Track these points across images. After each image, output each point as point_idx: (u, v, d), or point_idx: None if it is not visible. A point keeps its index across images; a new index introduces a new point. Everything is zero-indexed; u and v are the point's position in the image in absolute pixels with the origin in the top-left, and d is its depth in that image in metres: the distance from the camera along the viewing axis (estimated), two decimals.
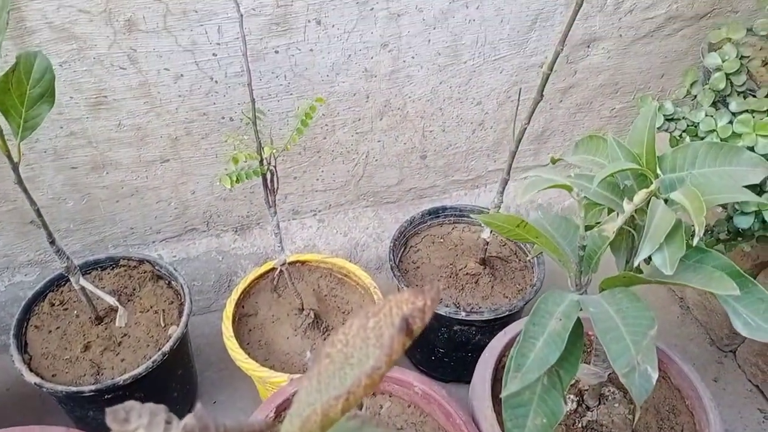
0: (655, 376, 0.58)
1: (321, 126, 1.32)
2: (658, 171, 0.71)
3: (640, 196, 0.66)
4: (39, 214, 0.96)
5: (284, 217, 1.46)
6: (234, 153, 0.94)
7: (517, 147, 1.01)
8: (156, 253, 1.38)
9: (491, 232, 1.10)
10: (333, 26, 1.18)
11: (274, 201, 1.03)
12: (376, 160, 1.43)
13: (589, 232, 0.70)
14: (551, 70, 0.92)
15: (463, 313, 1.08)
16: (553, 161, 0.90)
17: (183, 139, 1.24)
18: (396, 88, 1.31)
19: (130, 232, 1.35)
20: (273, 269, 1.22)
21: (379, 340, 0.39)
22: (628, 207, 0.66)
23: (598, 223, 0.78)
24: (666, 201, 0.69)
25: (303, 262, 1.24)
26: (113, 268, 1.19)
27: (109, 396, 1.00)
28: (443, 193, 1.55)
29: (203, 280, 1.41)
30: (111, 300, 1.02)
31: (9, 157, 0.89)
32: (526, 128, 0.99)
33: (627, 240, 0.76)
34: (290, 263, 1.23)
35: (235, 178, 0.93)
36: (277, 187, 1.02)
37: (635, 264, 0.65)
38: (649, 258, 0.76)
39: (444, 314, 1.08)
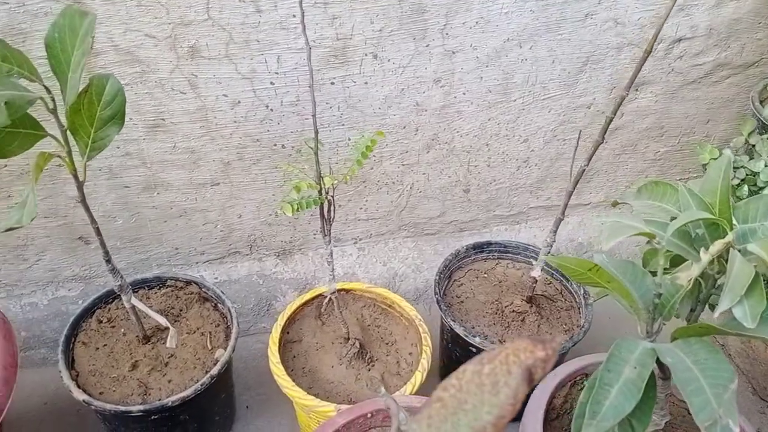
0: (736, 430, 0.57)
1: (369, 156, 1.33)
2: (734, 221, 0.71)
3: (716, 246, 0.66)
4: (98, 233, 0.98)
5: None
6: (297, 181, 0.95)
7: (574, 187, 1.01)
8: (198, 274, 1.39)
9: (541, 270, 1.10)
10: (389, 60, 1.20)
11: (330, 230, 1.04)
12: (420, 192, 1.43)
13: (661, 280, 0.70)
14: (614, 114, 0.93)
15: None
16: (614, 205, 0.90)
17: (235, 163, 1.25)
18: (445, 123, 1.32)
19: (174, 253, 1.36)
20: (318, 296, 1.22)
21: (494, 387, 0.39)
22: (705, 257, 0.66)
23: (666, 269, 0.78)
24: (740, 252, 0.69)
25: (347, 291, 1.24)
26: (160, 287, 1.20)
27: (156, 417, 1.00)
28: (484, 227, 1.56)
29: (243, 303, 1.42)
30: (162, 320, 1.03)
31: (75, 175, 0.90)
32: (585, 169, 0.99)
33: (693, 288, 0.75)
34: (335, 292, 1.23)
35: (296, 207, 0.93)
36: (334, 217, 1.03)
37: (715, 315, 0.65)
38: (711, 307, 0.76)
39: None
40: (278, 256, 1.45)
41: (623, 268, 0.79)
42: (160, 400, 0.99)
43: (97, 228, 0.97)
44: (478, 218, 1.53)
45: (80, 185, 0.91)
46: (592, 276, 0.72)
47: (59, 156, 0.86)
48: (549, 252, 1.09)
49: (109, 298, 1.17)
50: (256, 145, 1.24)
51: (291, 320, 1.19)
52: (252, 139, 1.23)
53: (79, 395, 0.99)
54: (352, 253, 1.50)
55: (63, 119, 0.83)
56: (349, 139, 1.29)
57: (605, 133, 0.95)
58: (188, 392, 0.99)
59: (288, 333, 1.17)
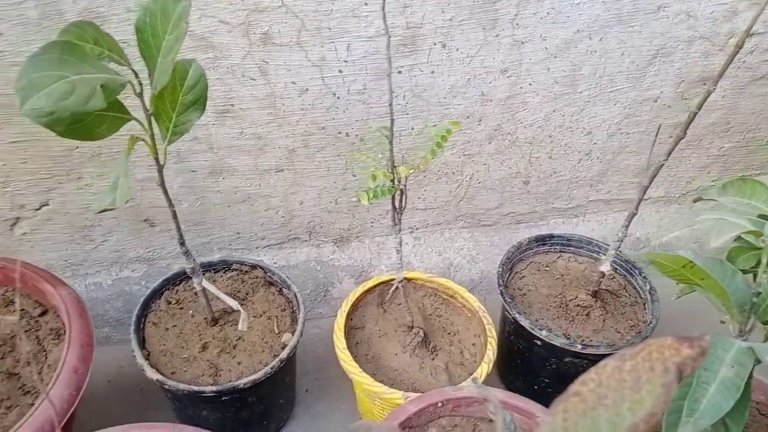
0: None
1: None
2: None
3: None
4: (174, 216, 0.99)
5: (382, 232, 1.47)
6: (373, 170, 0.95)
7: (650, 182, 1.00)
8: (258, 258, 1.40)
9: (611, 265, 1.09)
10: (457, 50, 1.20)
11: (400, 219, 1.04)
12: (479, 183, 1.43)
13: (761, 279, 0.69)
14: (699, 108, 0.91)
15: (579, 346, 1.07)
16: (696, 201, 0.89)
17: (299, 150, 1.26)
18: (509, 114, 1.31)
19: (236, 237, 1.37)
20: (380, 284, 1.23)
21: (635, 383, 0.39)
22: None
23: (754, 267, 0.77)
24: None
25: (409, 280, 1.25)
26: (225, 271, 1.22)
27: (226, 398, 1.02)
28: (541, 219, 1.55)
29: (300, 289, 1.41)
30: (234, 304, 1.04)
31: (156, 159, 0.91)
32: (663, 164, 0.98)
33: None
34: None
35: (371, 195, 0.94)
36: (405, 206, 1.03)
37: None
38: None
39: (558, 345, 1.07)
40: (336, 243, 1.46)
41: (711, 265, 0.77)
42: (230, 381, 1.01)
43: (174, 211, 0.98)
44: (535, 210, 1.52)
45: (161, 169, 0.92)
46: (686, 273, 0.71)
47: (143, 139, 0.88)
48: (619, 247, 1.08)
49: (177, 279, 1.18)
50: (321, 133, 1.25)
51: (354, 307, 1.19)
52: (317, 127, 1.24)
53: (153, 374, 1.01)
54: (408, 242, 1.50)
55: (147, 103, 0.85)
56: (413, 129, 1.29)
57: (687, 128, 0.93)
58: (259, 375, 1.00)
59: (351, 319, 1.18)
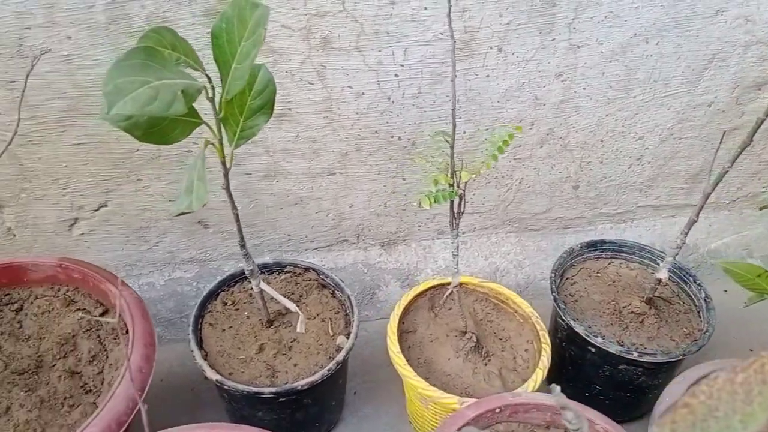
0: None
1: (482, 150, 1.33)
2: None
3: None
4: (237, 219, 1.00)
5: (429, 236, 1.48)
6: (435, 174, 0.95)
7: (713, 189, 0.99)
8: (307, 260, 1.42)
9: (668, 271, 1.08)
10: (513, 54, 1.19)
11: (458, 224, 1.04)
12: (528, 187, 1.43)
13: None
14: (766, 116, 0.90)
15: (635, 354, 1.06)
16: (762, 208, 0.88)
17: (352, 154, 1.27)
18: (562, 118, 1.31)
19: (286, 239, 1.39)
20: (431, 288, 1.23)
21: (747, 396, 0.39)
22: None
23: None
24: None
25: (460, 284, 1.24)
26: (279, 273, 1.23)
27: (283, 399, 1.03)
28: (589, 225, 1.54)
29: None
30: (292, 306, 1.05)
31: (223, 163, 0.93)
32: (727, 171, 0.97)
33: None
34: (447, 284, 1.23)
35: (433, 199, 0.94)
36: (463, 211, 1.03)
37: None
38: None
39: (613, 352, 1.07)
40: (383, 246, 1.47)
41: None
42: (287, 383, 1.02)
43: (236, 214, 0.99)
44: (583, 215, 1.51)
45: (227, 173, 0.93)
46: (760, 282, 0.70)
47: (211, 143, 0.89)
48: (677, 254, 1.07)
49: (232, 281, 1.20)
50: (374, 137, 1.25)
51: (406, 310, 1.20)
52: (371, 131, 1.24)
53: (213, 375, 1.02)
54: None
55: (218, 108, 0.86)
56: (464, 132, 1.29)
57: (754, 134, 0.92)
58: (316, 377, 1.01)
59: (403, 323, 1.19)
